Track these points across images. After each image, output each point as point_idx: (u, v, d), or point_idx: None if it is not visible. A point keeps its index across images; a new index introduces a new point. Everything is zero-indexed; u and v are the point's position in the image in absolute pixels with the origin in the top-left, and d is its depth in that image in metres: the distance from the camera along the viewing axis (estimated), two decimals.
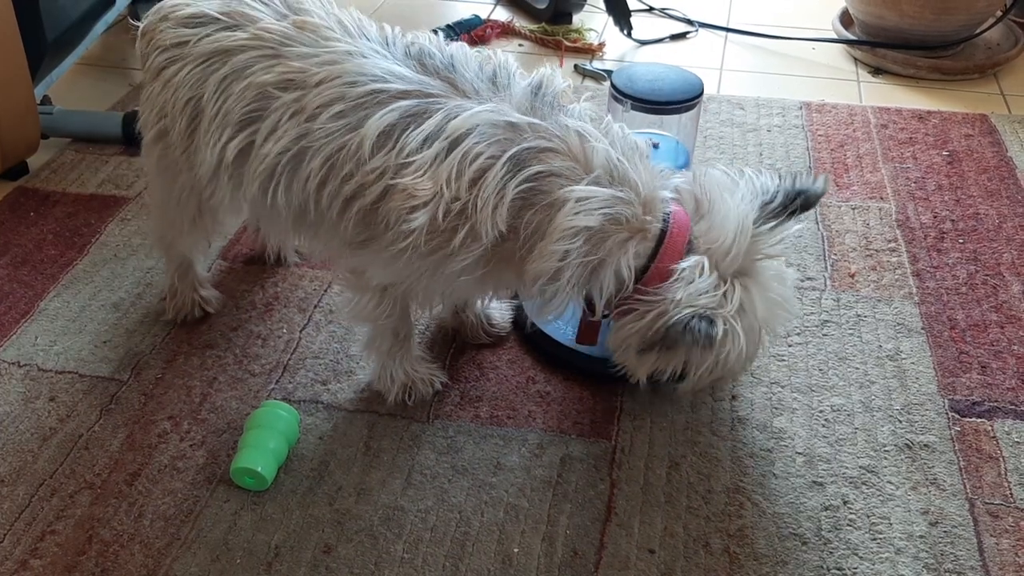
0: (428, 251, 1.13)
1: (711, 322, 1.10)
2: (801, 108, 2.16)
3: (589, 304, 1.16)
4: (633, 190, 1.11)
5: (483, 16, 2.58)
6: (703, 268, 1.11)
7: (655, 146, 1.45)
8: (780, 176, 1.18)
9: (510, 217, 1.09)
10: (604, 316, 1.21)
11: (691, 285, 1.10)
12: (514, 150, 1.08)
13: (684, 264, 1.11)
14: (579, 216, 1.07)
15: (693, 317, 1.09)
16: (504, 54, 1.18)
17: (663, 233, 1.12)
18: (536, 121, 1.10)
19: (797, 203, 1.16)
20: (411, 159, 1.09)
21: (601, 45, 2.46)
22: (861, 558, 1.18)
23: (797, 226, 1.17)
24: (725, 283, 1.12)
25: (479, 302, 1.47)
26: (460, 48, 1.18)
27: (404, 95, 1.11)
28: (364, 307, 1.29)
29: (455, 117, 1.09)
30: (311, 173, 1.15)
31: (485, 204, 1.07)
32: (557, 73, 1.17)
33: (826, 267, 1.66)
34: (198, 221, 1.40)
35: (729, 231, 1.12)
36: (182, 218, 1.40)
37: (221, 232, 1.47)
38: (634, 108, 1.39)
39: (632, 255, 1.11)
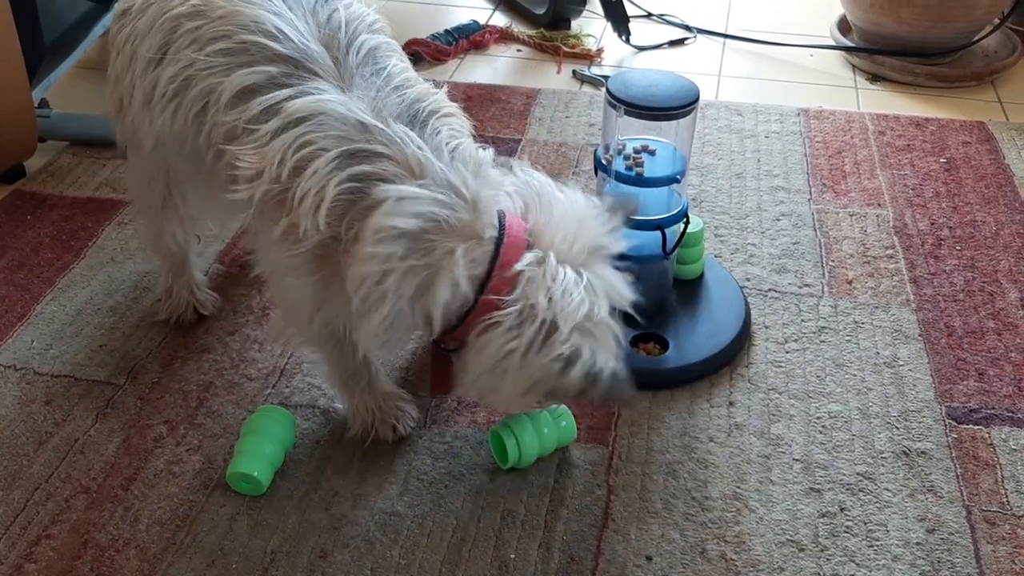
0: (263, 231, 1.11)
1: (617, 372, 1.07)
2: (799, 115, 2.17)
3: (428, 323, 1.07)
4: (459, 195, 1.04)
5: (481, 21, 2.58)
6: (548, 263, 1.04)
7: (652, 152, 1.45)
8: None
9: (332, 218, 1.03)
10: (451, 349, 1.14)
11: (550, 286, 1.03)
12: (348, 147, 1.03)
13: (525, 262, 1.04)
14: (393, 217, 1.00)
15: (606, 370, 1.05)
16: (410, 69, 1.15)
17: (501, 236, 1.05)
18: (383, 127, 1.05)
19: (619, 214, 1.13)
20: (251, 127, 1.07)
21: (599, 51, 2.46)
22: (858, 565, 1.18)
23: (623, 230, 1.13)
24: (582, 277, 1.06)
25: None
26: (377, 42, 1.12)
27: (279, 59, 1.08)
28: (279, 328, 1.26)
29: (299, 97, 1.05)
30: (191, 101, 1.14)
31: (305, 197, 1.02)
32: (441, 93, 1.13)
33: (824, 274, 1.66)
34: (169, 199, 1.38)
35: (571, 224, 1.07)
36: (154, 196, 1.39)
37: (195, 214, 1.43)
38: (628, 114, 1.38)
39: (466, 263, 1.03)
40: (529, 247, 1.06)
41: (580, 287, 1.05)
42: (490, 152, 1.13)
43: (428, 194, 1.02)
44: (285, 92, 1.06)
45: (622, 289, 1.11)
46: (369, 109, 1.06)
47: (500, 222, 1.07)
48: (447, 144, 1.08)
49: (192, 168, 1.23)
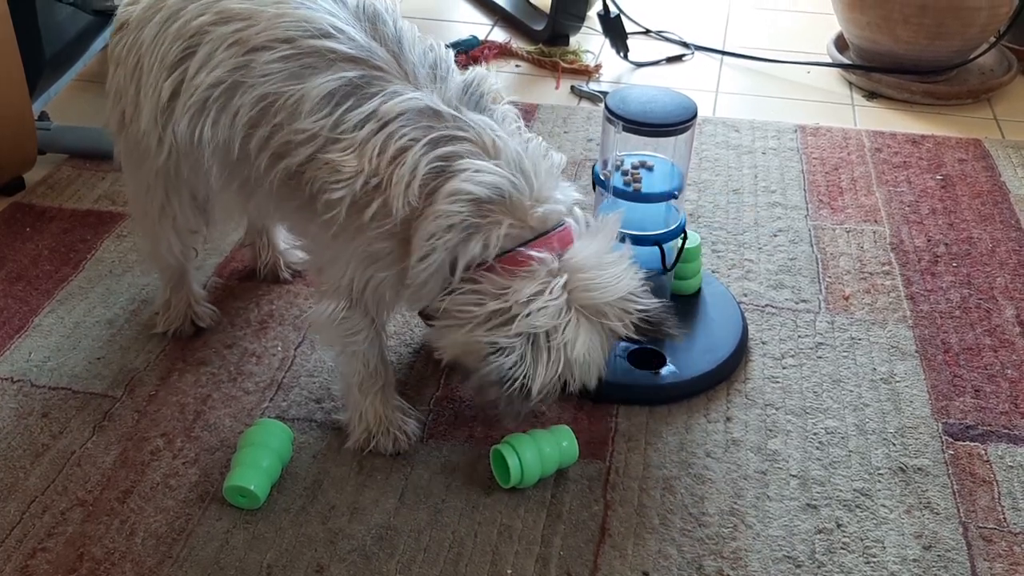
0: (347, 223, 1.15)
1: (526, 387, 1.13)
2: (796, 131, 2.18)
3: (452, 268, 1.16)
4: (528, 184, 1.15)
5: (481, 37, 2.60)
6: (556, 280, 1.13)
7: (649, 168, 1.46)
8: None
9: (420, 192, 1.12)
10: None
11: (536, 291, 1.12)
12: (433, 135, 1.13)
13: (536, 255, 1.13)
14: (468, 183, 1.11)
15: (509, 368, 1.11)
16: (445, 48, 1.22)
17: (544, 234, 1.15)
18: (457, 114, 1.15)
19: (651, 330, 1.21)
20: (343, 136, 1.12)
21: (598, 67, 2.47)
22: None
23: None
24: (569, 312, 1.13)
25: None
26: (410, 27, 1.21)
27: (351, 61, 1.14)
28: (326, 313, 1.24)
29: (388, 102, 1.12)
30: (241, 108, 1.16)
31: (400, 180, 1.11)
32: (490, 75, 1.21)
33: (820, 289, 1.67)
34: (167, 208, 1.38)
35: (607, 278, 1.14)
36: (152, 206, 1.39)
37: (192, 227, 1.43)
38: (626, 130, 1.39)
39: (503, 233, 1.13)
40: (556, 259, 1.14)
41: (559, 316, 1.13)
42: (563, 157, 1.24)
43: (501, 171, 1.13)
44: (376, 102, 1.12)
45: (591, 354, 1.16)
46: (441, 100, 1.15)
47: (553, 227, 1.16)
48: (521, 134, 1.19)
49: (235, 175, 1.24)
